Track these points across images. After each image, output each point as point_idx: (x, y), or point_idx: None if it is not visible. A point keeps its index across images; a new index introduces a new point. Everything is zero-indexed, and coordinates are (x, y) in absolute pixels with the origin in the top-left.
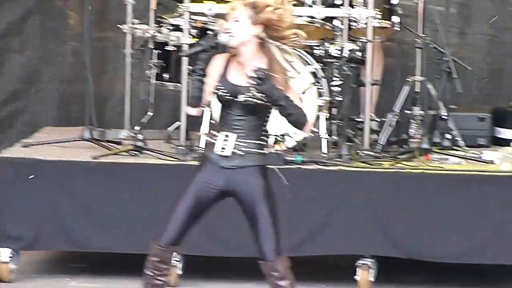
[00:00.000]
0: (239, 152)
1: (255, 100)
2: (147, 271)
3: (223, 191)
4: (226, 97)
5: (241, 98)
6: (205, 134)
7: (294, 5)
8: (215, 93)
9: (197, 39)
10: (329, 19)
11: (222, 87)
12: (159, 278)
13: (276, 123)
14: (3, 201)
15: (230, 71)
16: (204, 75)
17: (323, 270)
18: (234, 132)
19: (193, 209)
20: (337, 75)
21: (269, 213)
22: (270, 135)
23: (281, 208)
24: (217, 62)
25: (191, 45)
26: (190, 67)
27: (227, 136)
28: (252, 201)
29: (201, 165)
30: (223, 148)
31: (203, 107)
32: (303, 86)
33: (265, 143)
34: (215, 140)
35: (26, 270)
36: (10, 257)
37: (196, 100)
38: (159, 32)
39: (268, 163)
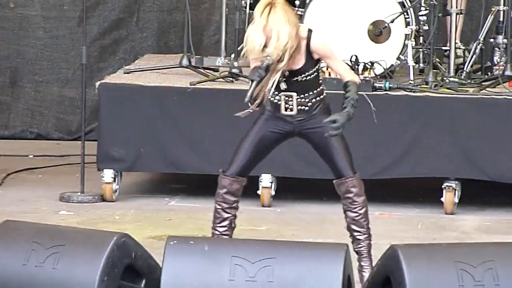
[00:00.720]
0: (304, 108)
1: (311, 76)
2: (216, 204)
3: (290, 134)
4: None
5: (299, 78)
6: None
7: None
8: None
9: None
10: None
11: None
12: (227, 210)
13: (367, 51)
14: (106, 124)
15: None
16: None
17: (411, 192)
18: (295, 91)
19: (258, 145)
20: (423, 5)
21: (342, 144)
22: (359, 62)
23: (370, 132)
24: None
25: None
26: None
27: (289, 96)
28: (322, 139)
29: (263, 116)
30: (288, 109)
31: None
32: (392, 16)
33: (322, 88)
34: (277, 100)
35: (128, 190)
36: (113, 177)
37: (251, 100)
38: None
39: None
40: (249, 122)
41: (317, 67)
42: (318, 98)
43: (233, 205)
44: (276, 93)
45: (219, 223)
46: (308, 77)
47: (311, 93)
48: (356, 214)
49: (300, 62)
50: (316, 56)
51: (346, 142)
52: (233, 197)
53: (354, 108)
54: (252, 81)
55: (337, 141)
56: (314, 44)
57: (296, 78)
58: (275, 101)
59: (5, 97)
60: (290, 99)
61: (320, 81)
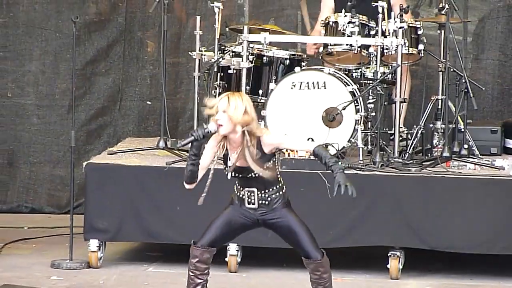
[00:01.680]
0: (264, 202)
1: (262, 173)
2: (189, 272)
3: (256, 224)
4: (238, 175)
5: (248, 175)
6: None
7: (336, 35)
8: (227, 173)
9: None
10: (365, 47)
11: (232, 171)
12: (199, 277)
13: (321, 134)
14: (92, 199)
15: (230, 154)
16: (197, 160)
17: (359, 260)
18: (255, 188)
19: (228, 225)
20: (371, 94)
21: (303, 228)
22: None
23: (324, 206)
24: (212, 143)
25: (186, 136)
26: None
27: (251, 192)
28: (286, 229)
29: (232, 205)
30: (250, 203)
31: (195, 183)
32: (344, 104)
33: (281, 183)
34: (242, 195)
35: (111, 258)
36: (98, 247)
37: (190, 179)
38: (222, 58)
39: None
40: (219, 199)
41: (270, 163)
42: (278, 194)
43: (205, 271)
44: (241, 188)
45: None
46: (258, 176)
47: (271, 189)
48: (322, 287)
49: (241, 159)
50: (268, 150)
51: (306, 226)
52: (204, 265)
53: (337, 162)
54: (191, 135)
55: (298, 227)
56: (264, 139)
57: (250, 175)
58: (240, 195)
59: (4, 176)
60: (252, 194)
61: (279, 178)
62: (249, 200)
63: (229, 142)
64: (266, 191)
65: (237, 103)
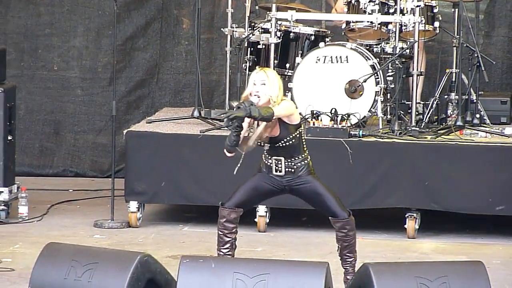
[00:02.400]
0: (291, 170)
1: (290, 142)
2: (218, 231)
3: (282, 191)
4: (264, 144)
5: (280, 144)
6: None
7: (358, 12)
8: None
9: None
10: (385, 23)
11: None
12: (228, 235)
13: (344, 105)
14: (131, 164)
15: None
16: (240, 131)
17: (379, 220)
18: (282, 156)
19: (255, 190)
20: (390, 68)
21: (329, 192)
22: (338, 114)
23: (346, 171)
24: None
25: (235, 112)
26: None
27: (278, 160)
28: (312, 192)
29: (260, 173)
30: (277, 170)
31: (236, 152)
32: (365, 76)
33: (306, 153)
34: (270, 163)
35: (149, 218)
36: (137, 208)
37: (233, 148)
38: (252, 34)
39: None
40: (249, 168)
41: (295, 134)
42: (303, 163)
43: (233, 230)
44: (269, 157)
45: (222, 246)
46: (288, 143)
47: (296, 158)
48: (348, 244)
49: (277, 131)
50: (287, 121)
51: (330, 188)
52: (232, 224)
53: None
54: (238, 108)
55: (323, 190)
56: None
57: (277, 144)
58: (268, 163)
59: (50, 143)
60: (279, 162)
61: (305, 147)
62: (277, 168)
63: None
64: (292, 159)
65: (273, 77)
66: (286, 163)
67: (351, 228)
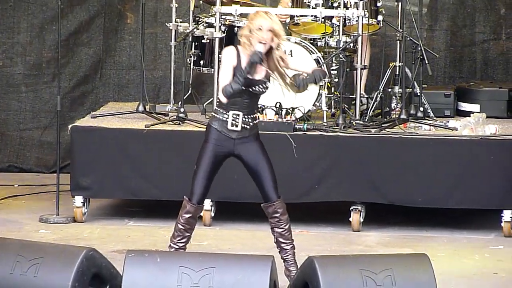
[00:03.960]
0: (246, 126)
1: (265, 90)
2: (179, 225)
3: (230, 155)
4: (243, 88)
5: (256, 88)
6: (210, 111)
7: (302, 6)
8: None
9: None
10: (329, 17)
11: (245, 82)
12: (188, 231)
13: (288, 99)
14: (76, 159)
15: (243, 65)
16: (243, 82)
17: (324, 213)
18: (241, 111)
19: (210, 171)
20: (334, 61)
21: (268, 166)
22: (283, 108)
23: (291, 164)
24: (231, 54)
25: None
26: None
27: (236, 115)
28: (256, 159)
29: (209, 136)
30: (234, 125)
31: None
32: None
33: (258, 115)
34: (225, 118)
35: (94, 213)
36: (82, 203)
37: (230, 94)
38: (196, 28)
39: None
40: (193, 155)
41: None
42: (255, 122)
43: (193, 226)
44: (224, 111)
45: (180, 239)
46: (261, 91)
47: (253, 115)
48: (282, 230)
49: (262, 72)
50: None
51: (273, 169)
52: (194, 220)
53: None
54: (253, 59)
55: (265, 167)
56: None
57: (257, 88)
58: (223, 118)
59: None
60: (237, 117)
61: (258, 106)
62: (233, 122)
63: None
64: (250, 116)
65: (276, 19)
66: (244, 119)
67: (283, 212)
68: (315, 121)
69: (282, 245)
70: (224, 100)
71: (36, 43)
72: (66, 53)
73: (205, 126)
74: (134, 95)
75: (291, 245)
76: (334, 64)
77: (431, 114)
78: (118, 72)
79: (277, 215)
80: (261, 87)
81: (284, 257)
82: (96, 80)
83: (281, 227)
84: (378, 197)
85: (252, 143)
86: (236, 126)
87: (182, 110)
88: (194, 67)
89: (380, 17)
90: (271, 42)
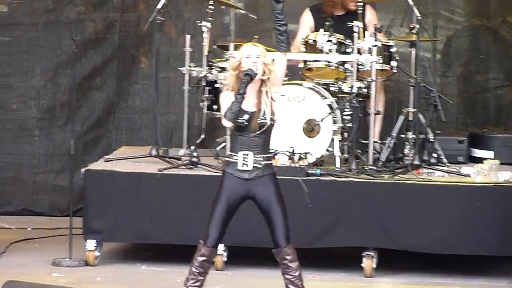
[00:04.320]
0: (257, 165)
1: (268, 121)
2: (193, 268)
3: (245, 197)
4: (245, 123)
5: (243, 118)
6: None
7: (315, 52)
8: (234, 122)
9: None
10: (342, 63)
11: (244, 117)
12: (202, 274)
13: (301, 144)
14: (89, 203)
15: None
16: (243, 99)
17: (336, 259)
18: (251, 151)
19: (225, 216)
20: (348, 107)
21: (281, 210)
22: (296, 153)
23: (304, 210)
24: (227, 96)
25: (241, 82)
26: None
27: (246, 155)
28: (268, 202)
29: (223, 180)
30: (244, 165)
31: (234, 122)
32: (322, 116)
33: (272, 155)
34: (235, 159)
35: (107, 256)
36: (95, 246)
37: (236, 116)
38: (210, 73)
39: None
40: (206, 199)
41: (272, 119)
42: (269, 163)
43: (207, 270)
44: (234, 154)
45: (193, 283)
46: (264, 125)
47: (264, 154)
48: (291, 277)
49: (258, 103)
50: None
51: (286, 212)
52: (209, 264)
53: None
54: (247, 76)
55: (278, 212)
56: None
57: (260, 122)
58: (233, 160)
59: (9, 187)
60: (247, 157)
61: (270, 147)
62: (243, 162)
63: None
64: (261, 156)
65: (264, 50)
66: (255, 158)
67: (291, 259)
68: (328, 167)
69: None
70: (227, 124)
71: (49, 87)
72: (79, 96)
73: (217, 171)
74: (147, 139)
75: None
76: (347, 110)
77: (445, 160)
78: (131, 116)
79: (286, 262)
80: (261, 121)
81: None
82: (109, 124)
83: (290, 273)
84: (391, 243)
85: (267, 185)
86: (247, 165)
87: (195, 154)
88: (207, 111)
89: (393, 63)
90: (261, 68)
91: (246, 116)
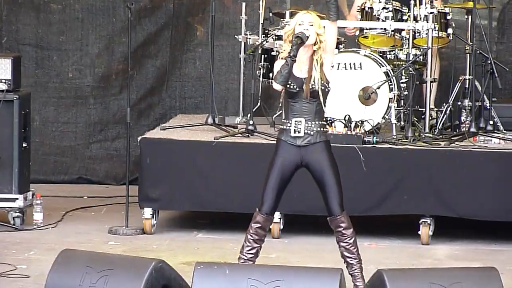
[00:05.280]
0: (310, 132)
1: (319, 87)
2: (248, 235)
3: (298, 165)
4: (296, 89)
5: (292, 85)
6: (279, 124)
7: (371, 19)
8: (286, 88)
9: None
10: (398, 30)
11: (291, 83)
12: (257, 242)
13: (358, 111)
14: (145, 171)
15: (292, 69)
16: (295, 60)
17: (393, 226)
18: (303, 117)
19: (280, 183)
20: (404, 74)
21: (335, 178)
22: (352, 121)
23: (360, 178)
24: (280, 63)
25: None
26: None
27: (298, 121)
28: (321, 170)
29: (277, 148)
30: (296, 131)
31: (284, 86)
32: (378, 83)
33: (326, 123)
34: (288, 126)
35: (164, 225)
36: (151, 214)
37: (285, 79)
38: (266, 41)
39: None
40: (263, 168)
41: (324, 82)
42: (321, 129)
43: (262, 238)
44: (287, 121)
45: (248, 250)
46: (316, 88)
47: (316, 121)
48: (346, 244)
49: (310, 70)
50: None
51: (339, 180)
52: (264, 231)
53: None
54: (298, 38)
55: (332, 180)
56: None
57: (311, 87)
58: (286, 127)
59: (65, 156)
60: (299, 123)
61: (325, 114)
62: (295, 128)
63: (298, 57)
64: (313, 122)
65: (318, 19)
66: (306, 125)
67: (346, 226)
68: (385, 134)
69: (348, 259)
70: (277, 87)
71: (104, 55)
72: (133, 65)
73: (273, 139)
74: (201, 107)
75: (357, 259)
76: (403, 77)
77: (501, 128)
78: (184, 84)
79: (341, 229)
80: (312, 86)
81: (351, 272)
82: (162, 92)
83: (345, 241)
84: (447, 210)
85: (320, 153)
86: (299, 132)
87: (251, 122)
88: (263, 79)
89: (450, 30)
90: (314, 36)
91: (297, 82)
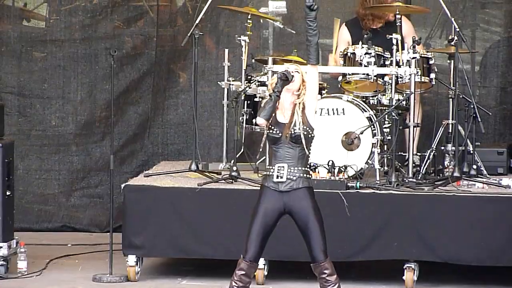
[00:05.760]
0: (292, 177)
1: (301, 132)
2: (233, 282)
3: (282, 212)
4: (279, 134)
5: (274, 130)
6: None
7: (354, 65)
8: (267, 133)
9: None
10: (381, 75)
11: (274, 128)
12: None
13: (341, 157)
14: (129, 218)
15: (275, 114)
16: (279, 96)
17: (377, 272)
18: (286, 163)
19: (264, 231)
20: (387, 120)
21: (318, 225)
22: (335, 166)
23: (343, 223)
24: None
25: (277, 81)
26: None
27: (281, 167)
28: (305, 217)
29: (261, 195)
30: (279, 176)
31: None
32: (361, 128)
33: (309, 169)
34: (272, 172)
35: (148, 272)
36: (135, 262)
37: (268, 113)
38: (248, 87)
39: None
40: (247, 214)
41: (307, 128)
42: (304, 176)
43: (247, 285)
44: (271, 167)
45: None
46: (297, 133)
47: (299, 167)
48: None
49: (292, 116)
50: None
51: (323, 226)
52: (248, 278)
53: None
54: (283, 74)
55: (315, 226)
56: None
57: (292, 132)
58: (269, 174)
59: (48, 204)
60: (282, 169)
61: (309, 161)
62: (278, 174)
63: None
64: (295, 168)
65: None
66: (289, 171)
67: (330, 272)
68: (368, 179)
69: None
70: (260, 121)
71: (86, 102)
72: (116, 112)
73: (257, 185)
74: (184, 153)
75: None
76: (386, 122)
77: (485, 172)
78: (167, 130)
79: (325, 275)
80: (293, 131)
81: None
82: (145, 139)
83: (329, 287)
84: (431, 255)
85: (304, 200)
86: (281, 177)
87: (234, 168)
88: (247, 125)
89: (432, 75)
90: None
91: (280, 127)
